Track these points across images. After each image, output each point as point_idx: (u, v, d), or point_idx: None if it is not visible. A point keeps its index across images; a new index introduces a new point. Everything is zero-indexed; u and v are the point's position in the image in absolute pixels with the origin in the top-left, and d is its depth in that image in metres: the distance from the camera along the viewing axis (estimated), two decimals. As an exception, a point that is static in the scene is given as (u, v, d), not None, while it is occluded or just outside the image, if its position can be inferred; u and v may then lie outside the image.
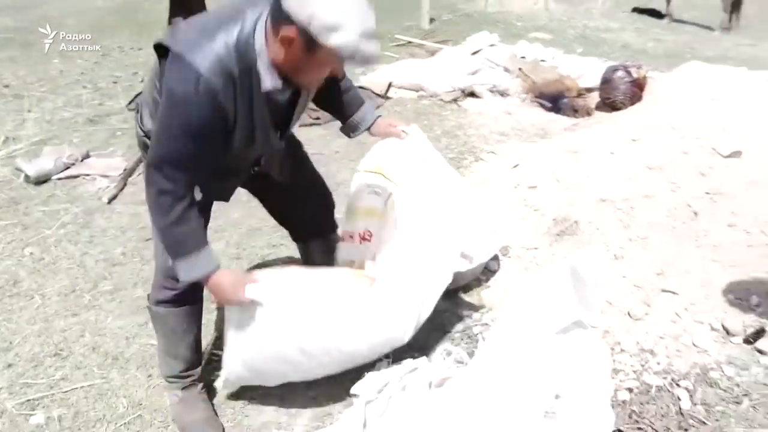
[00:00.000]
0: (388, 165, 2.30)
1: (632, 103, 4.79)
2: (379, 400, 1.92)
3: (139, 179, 3.83)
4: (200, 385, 2.23)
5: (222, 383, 2.26)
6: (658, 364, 2.31)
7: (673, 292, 2.65)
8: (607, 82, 5.03)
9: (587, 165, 3.48)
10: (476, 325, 2.60)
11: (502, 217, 3.32)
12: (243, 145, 1.77)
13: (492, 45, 6.42)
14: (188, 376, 2.19)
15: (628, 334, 2.47)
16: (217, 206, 2.08)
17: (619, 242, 2.94)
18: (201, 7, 4.97)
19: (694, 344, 2.40)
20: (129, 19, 7.43)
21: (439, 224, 2.16)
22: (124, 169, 3.89)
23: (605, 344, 1.73)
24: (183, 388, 2.19)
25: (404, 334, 2.05)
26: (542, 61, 6.00)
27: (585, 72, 5.60)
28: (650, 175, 3.27)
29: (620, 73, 4.96)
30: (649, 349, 2.39)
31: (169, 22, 4.48)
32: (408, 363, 2.08)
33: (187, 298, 2.06)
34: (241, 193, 2.18)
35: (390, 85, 5.20)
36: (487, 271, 2.93)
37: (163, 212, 1.73)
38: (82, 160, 3.99)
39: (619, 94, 4.92)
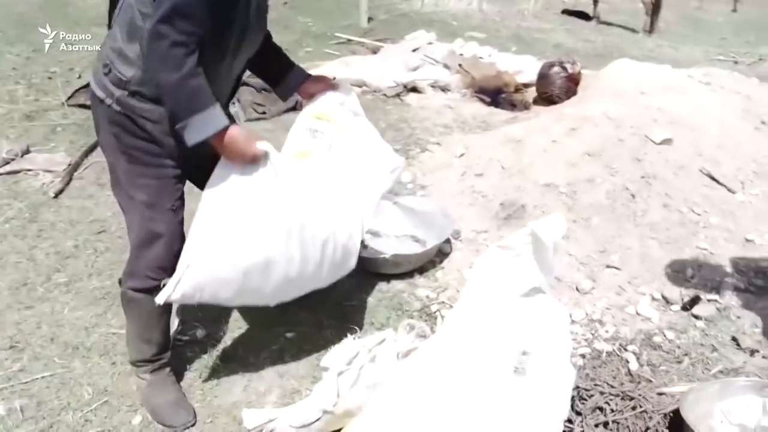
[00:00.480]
0: (329, 111, 2.33)
1: (568, 97, 5.01)
2: (350, 371, 1.99)
3: (85, 173, 3.78)
4: (168, 368, 2.24)
5: (171, 289, 1.91)
6: (607, 332, 2.48)
7: (616, 268, 2.84)
8: (543, 77, 5.25)
9: (530, 153, 3.65)
10: (433, 303, 2.71)
11: (452, 203, 3.45)
12: (243, 18, 1.88)
13: (430, 43, 6.59)
14: (158, 360, 2.20)
15: (578, 307, 2.63)
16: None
17: (568, 224, 3.10)
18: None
19: (638, 313, 2.58)
20: (59, 15, 7.22)
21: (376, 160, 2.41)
22: (69, 164, 3.82)
23: (563, 306, 1.86)
24: (152, 372, 2.20)
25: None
26: (480, 58, 6.20)
27: (522, 68, 5.81)
28: (590, 161, 3.47)
29: (556, 69, 5.18)
30: (598, 319, 2.56)
31: (109, 17, 4.40)
32: (375, 336, 2.17)
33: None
34: (189, 186, 2.19)
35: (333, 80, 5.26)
36: (441, 253, 3.04)
37: (176, 65, 1.73)
38: (22, 156, 3.89)
39: (555, 88, 5.14)
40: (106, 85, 1.89)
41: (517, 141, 3.79)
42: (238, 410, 2.17)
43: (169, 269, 1.97)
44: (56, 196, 3.53)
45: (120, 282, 2.14)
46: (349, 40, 6.95)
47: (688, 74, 4.90)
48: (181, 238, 2.03)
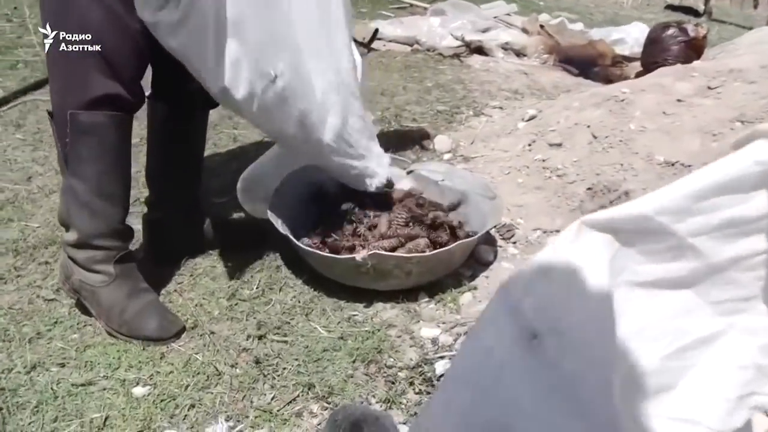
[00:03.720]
0: None
1: (687, 69, 3.49)
2: None
3: (8, 112, 2.64)
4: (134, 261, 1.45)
5: None
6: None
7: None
8: (654, 42, 3.73)
9: (640, 117, 2.19)
10: (440, 354, 1.32)
11: (507, 183, 2.05)
12: None
13: (508, 14, 5.16)
14: (127, 236, 1.43)
15: None
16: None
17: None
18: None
19: None
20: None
21: None
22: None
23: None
24: (119, 261, 1.38)
25: None
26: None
27: (623, 37, 4.31)
28: (742, 132, 1.98)
29: (672, 31, 3.67)
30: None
31: None
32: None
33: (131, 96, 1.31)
34: None
35: (376, 32, 3.93)
36: (475, 262, 1.65)
37: None
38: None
39: (669, 56, 3.62)
40: None
41: (618, 100, 2.34)
42: None
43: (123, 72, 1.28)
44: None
45: (51, 116, 1.33)
46: (411, 5, 5.59)
47: None
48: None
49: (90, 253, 1.35)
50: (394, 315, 1.46)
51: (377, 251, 1.37)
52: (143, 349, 1.32)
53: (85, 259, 1.35)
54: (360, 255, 1.34)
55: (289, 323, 1.40)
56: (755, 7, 9.34)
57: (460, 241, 1.48)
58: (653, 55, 3.73)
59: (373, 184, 1.61)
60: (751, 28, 8.61)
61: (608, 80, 3.98)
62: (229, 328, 1.39)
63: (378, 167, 1.61)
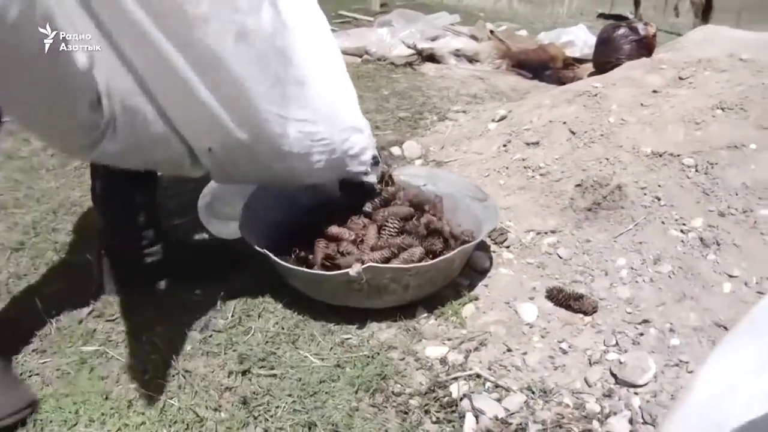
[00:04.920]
0: None
1: (641, 67, 3.47)
2: None
3: None
4: None
5: None
6: None
7: None
8: (605, 42, 3.70)
9: (617, 109, 2.10)
10: (459, 377, 1.16)
11: (490, 186, 1.92)
12: None
13: (452, 24, 5.12)
14: None
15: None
16: None
17: (703, 218, 1.56)
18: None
19: None
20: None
21: None
22: None
23: None
24: None
25: None
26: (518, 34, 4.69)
27: (572, 39, 4.30)
28: (727, 119, 1.91)
29: (623, 31, 3.66)
30: None
31: None
32: None
33: None
34: None
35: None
36: (471, 270, 1.50)
37: None
38: None
39: (621, 55, 3.58)
40: None
41: (591, 95, 2.25)
42: None
43: None
44: None
45: None
46: (356, 19, 5.49)
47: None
48: None
49: None
50: (392, 335, 1.29)
51: (372, 264, 1.20)
52: (105, 398, 1.11)
53: None
54: (354, 269, 1.17)
55: (275, 353, 1.22)
56: (677, 15, 9.72)
57: (460, 248, 1.33)
58: (606, 55, 3.70)
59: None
60: (679, 34, 8.94)
61: (561, 82, 3.93)
62: (205, 364, 1.20)
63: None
